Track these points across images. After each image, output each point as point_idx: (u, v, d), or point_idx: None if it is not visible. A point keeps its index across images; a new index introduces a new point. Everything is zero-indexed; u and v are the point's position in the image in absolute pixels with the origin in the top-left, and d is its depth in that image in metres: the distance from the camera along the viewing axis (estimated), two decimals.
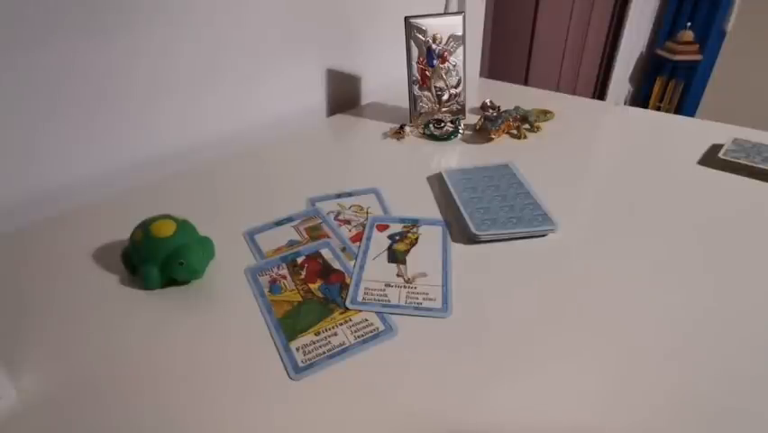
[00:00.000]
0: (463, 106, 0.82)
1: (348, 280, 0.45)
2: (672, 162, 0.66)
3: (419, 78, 0.78)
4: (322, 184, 0.62)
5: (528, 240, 0.50)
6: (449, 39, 0.77)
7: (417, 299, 0.43)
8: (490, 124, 0.73)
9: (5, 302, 0.43)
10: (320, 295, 0.43)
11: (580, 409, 0.33)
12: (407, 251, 0.49)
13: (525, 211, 0.53)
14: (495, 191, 0.57)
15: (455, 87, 0.80)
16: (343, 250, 0.50)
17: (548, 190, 0.59)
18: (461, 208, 0.54)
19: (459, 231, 0.52)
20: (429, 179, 0.64)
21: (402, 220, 0.54)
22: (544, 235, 0.51)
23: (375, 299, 0.43)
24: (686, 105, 2.38)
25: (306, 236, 0.52)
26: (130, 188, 0.61)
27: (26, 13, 0.51)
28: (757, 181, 0.61)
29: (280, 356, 0.37)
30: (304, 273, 0.46)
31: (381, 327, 0.40)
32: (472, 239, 0.50)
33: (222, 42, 0.69)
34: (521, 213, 0.53)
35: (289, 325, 0.40)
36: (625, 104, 2.47)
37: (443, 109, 0.81)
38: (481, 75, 1.25)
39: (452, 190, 0.58)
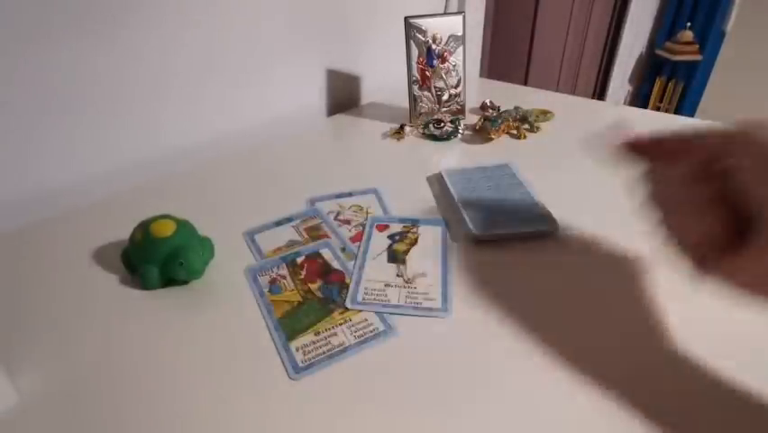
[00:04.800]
0: (463, 106, 0.82)
1: (348, 281, 0.45)
2: None
3: (419, 78, 0.78)
4: (322, 184, 0.62)
5: (528, 240, 0.50)
6: (449, 39, 0.77)
7: (417, 299, 0.43)
8: (490, 124, 0.73)
9: (5, 302, 0.43)
10: (320, 295, 0.43)
11: (583, 411, 0.33)
12: (407, 251, 0.49)
13: (526, 211, 0.53)
14: (495, 191, 0.57)
15: (455, 87, 0.80)
16: (343, 250, 0.50)
17: (548, 190, 0.59)
18: (461, 208, 0.54)
19: (459, 231, 0.52)
20: (429, 178, 0.64)
21: (402, 220, 0.54)
22: (544, 235, 0.51)
23: (375, 299, 0.43)
24: (686, 105, 2.38)
25: (306, 236, 0.52)
26: (130, 188, 0.61)
27: (26, 11, 0.51)
28: None
29: (280, 356, 0.37)
30: (304, 273, 0.46)
31: (381, 327, 0.40)
32: (472, 239, 0.50)
33: (222, 42, 0.69)
34: (521, 213, 0.53)
35: (289, 325, 0.40)
36: (624, 104, 2.47)
37: (443, 109, 0.81)
38: (481, 75, 1.25)
39: (451, 190, 0.58)
